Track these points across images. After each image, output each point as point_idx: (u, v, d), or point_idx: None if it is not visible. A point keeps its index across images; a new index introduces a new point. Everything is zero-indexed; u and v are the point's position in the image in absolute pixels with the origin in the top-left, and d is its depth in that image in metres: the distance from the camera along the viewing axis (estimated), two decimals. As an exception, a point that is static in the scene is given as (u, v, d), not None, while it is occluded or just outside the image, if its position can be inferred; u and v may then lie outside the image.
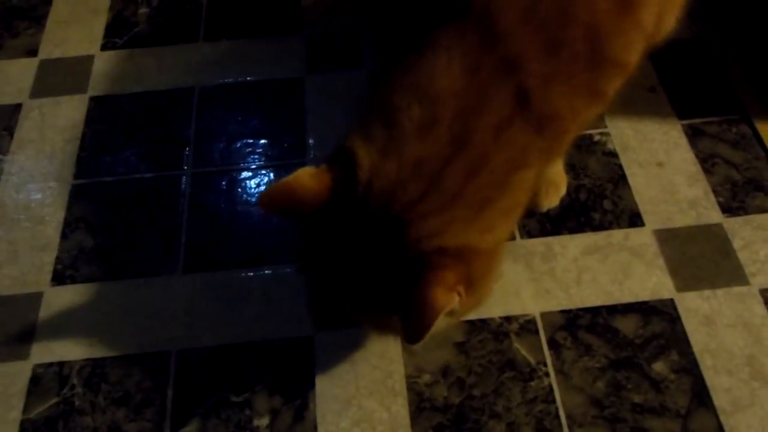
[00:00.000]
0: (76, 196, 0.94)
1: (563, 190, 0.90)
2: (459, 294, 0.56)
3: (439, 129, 0.55)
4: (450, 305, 0.55)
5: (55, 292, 0.85)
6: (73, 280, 0.86)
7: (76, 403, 0.77)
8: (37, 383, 0.79)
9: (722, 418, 0.74)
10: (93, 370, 0.79)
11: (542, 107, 0.56)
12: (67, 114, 1.03)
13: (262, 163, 0.97)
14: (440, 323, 0.55)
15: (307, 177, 0.58)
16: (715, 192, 0.90)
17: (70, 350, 0.81)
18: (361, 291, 0.60)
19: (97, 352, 0.81)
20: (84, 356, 0.80)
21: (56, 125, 1.02)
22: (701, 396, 0.75)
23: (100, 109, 1.03)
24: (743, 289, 0.82)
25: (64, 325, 0.83)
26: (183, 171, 0.96)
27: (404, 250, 0.56)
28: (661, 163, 0.94)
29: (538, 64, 0.56)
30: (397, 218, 0.55)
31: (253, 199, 0.93)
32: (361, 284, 0.60)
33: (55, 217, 0.92)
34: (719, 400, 0.75)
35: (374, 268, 0.58)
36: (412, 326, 0.54)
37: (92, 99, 1.04)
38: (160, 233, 0.90)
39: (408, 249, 0.56)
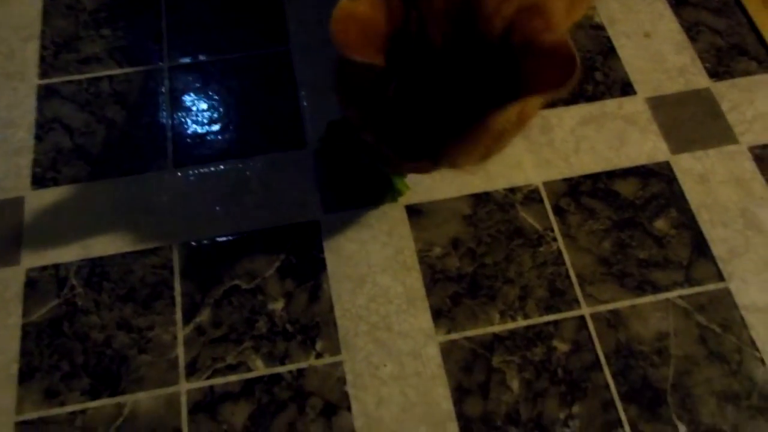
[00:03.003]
0: (45, 96, 0.87)
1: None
2: None
3: None
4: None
5: (38, 195, 0.80)
6: (56, 182, 0.81)
7: (79, 303, 0.74)
8: (33, 287, 0.75)
9: (721, 265, 0.77)
10: (92, 269, 0.76)
11: None
12: (20, 11, 0.94)
13: (241, 53, 0.92)
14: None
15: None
16: (702, 58, 0.92)
17: (63, 252, 0.77)
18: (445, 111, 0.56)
19: (93, 251, 0.77)
20: (79, 257, 0.77)
21: (9, 24, 0.93)
22: (701, 247, 0.78)
23: (56, 4, 0.95)
24: (733, 147, 0.85)
25: (52, 228, 0.78)
26: (159, 66, 0.91)
27: (493, 30, 0.52)
28: (648, 33, 0.94)
29: None
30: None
31: (238, 90, 0.89)
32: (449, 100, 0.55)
33: (25, 119, 0.86)
34: (717, 249, 0.78)
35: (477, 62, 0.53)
36: (559, 71, 0.49)
37: (47, -7, 0.96)
38: (143, 130, 0.85)
39: (497, 25, 0.52)
